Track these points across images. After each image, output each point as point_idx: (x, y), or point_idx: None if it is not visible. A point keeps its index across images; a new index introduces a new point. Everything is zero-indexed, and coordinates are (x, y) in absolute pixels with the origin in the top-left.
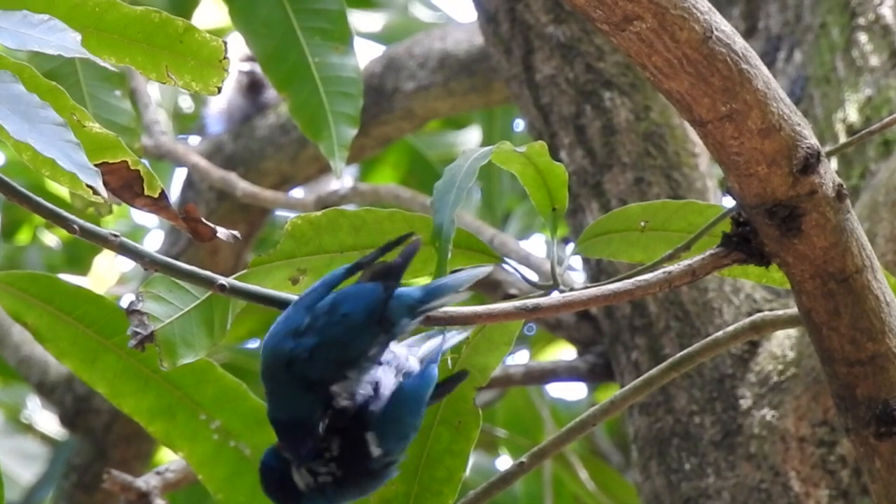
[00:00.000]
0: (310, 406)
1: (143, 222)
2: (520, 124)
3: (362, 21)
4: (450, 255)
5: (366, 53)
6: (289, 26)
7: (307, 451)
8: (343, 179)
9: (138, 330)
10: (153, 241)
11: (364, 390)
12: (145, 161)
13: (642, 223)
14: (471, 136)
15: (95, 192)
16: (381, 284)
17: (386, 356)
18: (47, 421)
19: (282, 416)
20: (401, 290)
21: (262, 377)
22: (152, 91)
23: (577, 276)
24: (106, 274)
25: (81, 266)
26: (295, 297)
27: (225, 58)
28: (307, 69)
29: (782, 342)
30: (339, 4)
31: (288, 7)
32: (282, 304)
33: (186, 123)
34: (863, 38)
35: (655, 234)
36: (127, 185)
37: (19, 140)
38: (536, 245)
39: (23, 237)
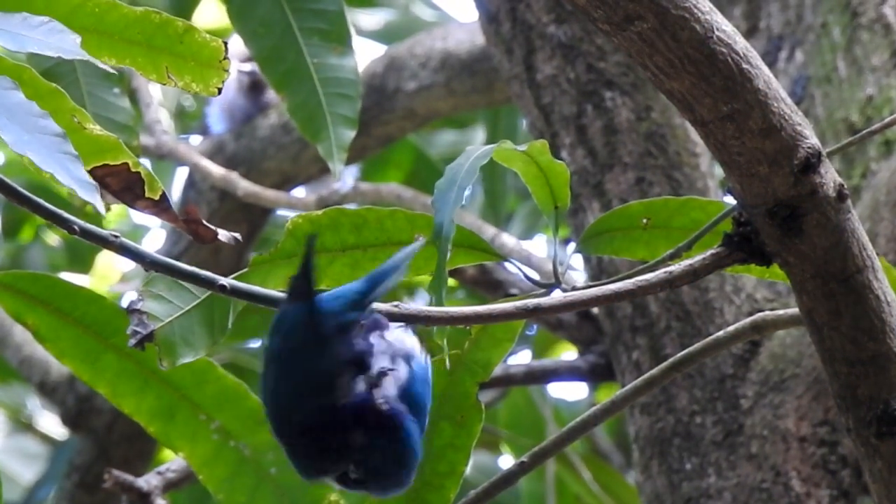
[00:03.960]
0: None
1: (143, 222)
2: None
3: (363, 20)
4: (449, 254)
5: (367, 53)
6: (287, 26)
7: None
8: (344, 180)
9: (138, 329)
10: (153, 241)
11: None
12: (146, 161)
13: (644, 220)
14: (476, 135)
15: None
16: (300, 303)
17: (379, 345)
18: (48, 420)
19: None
20: (340, 289)
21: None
22: (154, 89)
23: (578, 276)
24: (109, 271)
25: (84, 264)
26: None
27: (225, 58)
28: (305, 70)
29: (783, 341)
30: (337, 5)
31: (286, 7)
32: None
33: (189, 122)
34: (864, 37)
35: (658, 231)
36: (128, 188)
37: (18, 152)
38: (537, 246)
39: (25, 235)
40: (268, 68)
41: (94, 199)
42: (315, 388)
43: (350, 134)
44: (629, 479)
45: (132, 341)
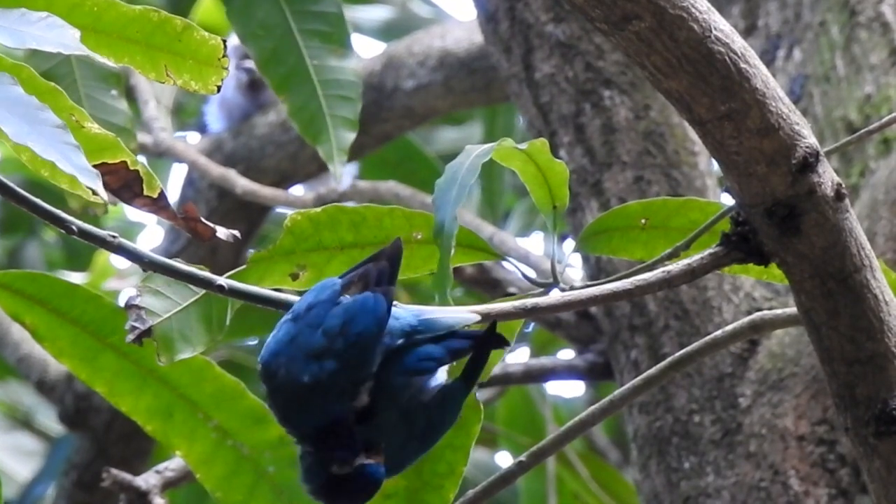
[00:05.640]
0: (337, 411)
1: (138, 219)
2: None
3: (361, 16)
4: (452, 253)
5: (365, 49)
6: (287, 28)
7: (348, 449)
8: (343, 179)
9: (136, 325)
10: (149, 239)
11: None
12: (143, 159)
13: (643, 220)
14: (473, 131)
15: (95, 193)
16: (383, 296)
17: None
18: (44, 417)
19: (310, 430)
20: (397, 311)
21: (273, 397)
22: (152, 85)
23: (576, 274)
24: (107, 268)
25: (82, 261)
26: (294, 298)
27: (224, 56)
28: (306, 72)
29: (782, 340)
30: (337, 7)
31: (286, 9)
32: (280, 304)
33: (187, 118)
34: (863, 35)
35: (656, 231)
36: (126, 186)
37: (19, 143)
38: (535, 243)
39: (24, 232)
40: (268, 70)
41: (97, 186)
42: (348, 376)
43: (350, 136)
44: (627, 477)
45: (130, 337)
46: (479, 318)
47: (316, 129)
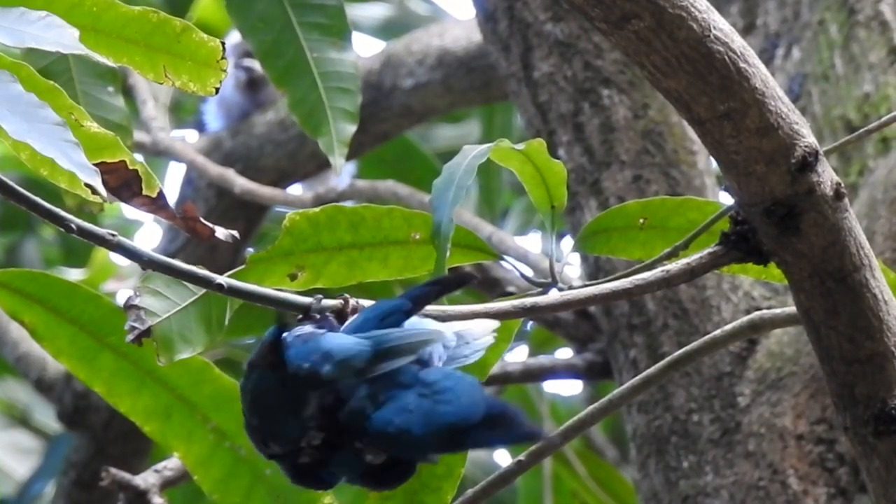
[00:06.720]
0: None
1: (135, 217)
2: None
3: (359, 14)
4: (448, 254)
5: (364, 48)
6: (286, 21)
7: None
8: (341, 177)
9: (135, 325)
10: (146, 237)
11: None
12: (141, 158)
13: (641, 220)
14: (471, 129)
15: (94, 192)
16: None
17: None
18: (43, 415)
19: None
20: (345, 344)
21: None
22: (150, 83)
23: (574, 272)
24: (106, 265)
25: (79, 258)
26: (294, 297)
27: (223, 58)
28: (305, 64)
29: (781, 340)
30: None
31: (285, 2)
32: (280, 303)
33: (184, 115)
34: (861, 34)
35: (654, 231)
36: (125, 185)
37: (18, 140)
38: (534, 242)
39: (21, 229)
40: (268, 63)
41: (96, 183)
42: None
43: (351, 128)
44: (625, 475)
45: (130, 337)
46: (452, 338)
47: (316, 121)
